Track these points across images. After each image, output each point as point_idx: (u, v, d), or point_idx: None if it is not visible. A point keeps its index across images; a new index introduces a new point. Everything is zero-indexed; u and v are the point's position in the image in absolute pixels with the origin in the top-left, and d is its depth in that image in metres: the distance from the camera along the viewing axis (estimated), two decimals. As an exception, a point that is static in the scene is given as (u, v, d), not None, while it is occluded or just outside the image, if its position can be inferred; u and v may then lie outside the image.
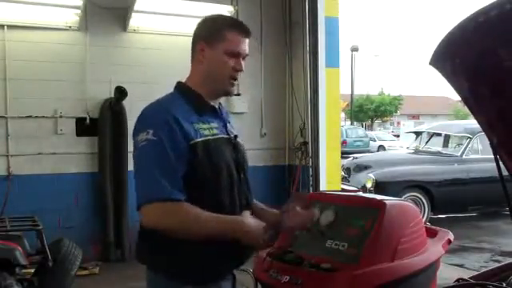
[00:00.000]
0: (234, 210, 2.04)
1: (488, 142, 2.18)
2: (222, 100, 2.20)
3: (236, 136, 2.16)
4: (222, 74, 2.03)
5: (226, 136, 2.09)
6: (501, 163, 2.16)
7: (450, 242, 3.06)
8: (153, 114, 1.97)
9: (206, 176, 1.96)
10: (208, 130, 2.01)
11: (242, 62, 2.07)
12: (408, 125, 40.49)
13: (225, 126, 2.12)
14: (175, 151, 1.89)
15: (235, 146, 2.12)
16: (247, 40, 2.07)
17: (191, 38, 2.09)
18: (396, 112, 46.59)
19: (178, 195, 1.88)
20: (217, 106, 2.12)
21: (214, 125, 2.05)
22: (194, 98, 2.04)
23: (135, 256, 2.05)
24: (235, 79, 2.06)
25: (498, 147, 2.14)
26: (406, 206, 2.93)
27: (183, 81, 2.11)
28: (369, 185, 9.00)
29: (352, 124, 37.71)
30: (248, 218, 2.02)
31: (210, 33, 2.04)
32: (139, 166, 1.94)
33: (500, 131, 2.11)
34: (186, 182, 1.92)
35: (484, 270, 2.71)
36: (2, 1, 6.10)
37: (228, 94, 2.12)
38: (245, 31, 2.07)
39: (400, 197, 8.07)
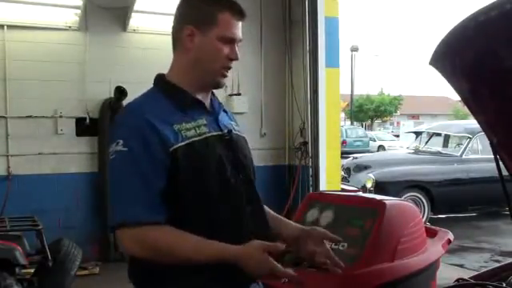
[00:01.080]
0: (236, 224, 1.72)
1: (488, 142, 2.18)
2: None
3: (230, 130, 1.82)
4: (215, 64, 1.74)
5: (217, 133, 1.77)
6: (501, 163, 2.16)
7: (449, 241, 3.06)
8: (123, 120, 1.70)
9: (191, 187, 1.66)
10: (194, 130, 1.70)
11: (237, 50, 1.77)
12: (408, 125, 40.46)
13: (216, 121, 1.80)
14: (151, 163, 1.61)
15: (229, 143, 1.79)
16: (241, 23, 1.77)
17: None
18: (396, 112, 46.59)
19: (155, 216, 1.60)
20: (208, 100, 1.82)
21: (202, 121, 1.74)
22: (175, 93, 1.75)
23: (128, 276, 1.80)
24: (228, 69, 1.77)
25: (498, 147, 2.14)
26: (406, 206, 2.94)
27: (164, 73, 1.85)
28: (369, 185, 9.00)
29: (352, 124, 37.70)
30: (248, 249, 1.61)
31: (200, 15, 1.73)
32: (111, 184, 1.67)
33: (500, 131, 2.11)
34: (169, 198, 1.63)
35: (484, 269, 2.70)
36: (2, 1, 6.11)
37: (218, 86, 1.81)
38: (239, 13, 1.76)
39: (400, 197, 8.07)
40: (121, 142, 1.63)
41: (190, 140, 1.68)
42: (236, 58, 1.77)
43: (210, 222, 1.68)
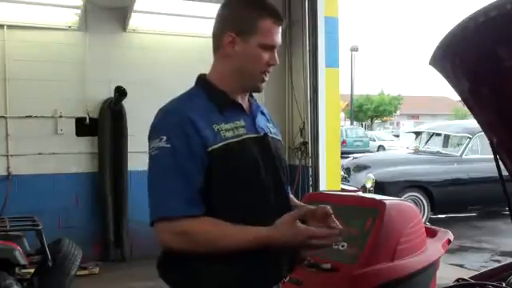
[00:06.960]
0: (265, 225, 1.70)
1: (488, 142, 2.18)
2: None
3: (266, 133, 1.84)
4: (255, 70, 1.78)
5: (254, 135, 1.80)
6: (501, 163, 2.16)
7: (449, 242, 3.07)
8: (166, 117, 1.73)
9: (227, 191, 1.70)
10: (232, 131, 1.74)
11: (276, 55, 1.80)
12: (408, 125, 40.47)
13: (253, 123, 1.82)
14: (192, 161, 1.66)
15: (263, 146, 1.81)
16: (280, 28, 1.80)
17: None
18: (396, 112, 46.59)
19: (195, 210, 1.65)
20: (246, 101, 1.86)
21: (240, 123, 1.78)
22: (215, 94, 1.78)
23: (158, 274, 1.81)
24: (267, 74, 1.81)
25: (498, 147, 2.14)
26: (406, 206, 2.94)
27: (206, 73, 1.86)
28: (369, 185, 8.99)
29: (352, 124, 37.69)
30: (281, 226, 1.66)
31: (241, 21, 1.75)
32: (151, 178, 1.71)
33: (500, 131, 2.11)
34: (204, 195, 1.68)
35: (484, 269, 2.71)
36: (2, 1, 6.11)
37: (257, 90, 1.85)
38: (280, 19, 1.78)
39: (400, 197, 8.08)
40: (164, 138, 1.67)
41: (228, 141, 1.71)
42: (275, 64, 1.80)
43: (240, 223, 1.68)
